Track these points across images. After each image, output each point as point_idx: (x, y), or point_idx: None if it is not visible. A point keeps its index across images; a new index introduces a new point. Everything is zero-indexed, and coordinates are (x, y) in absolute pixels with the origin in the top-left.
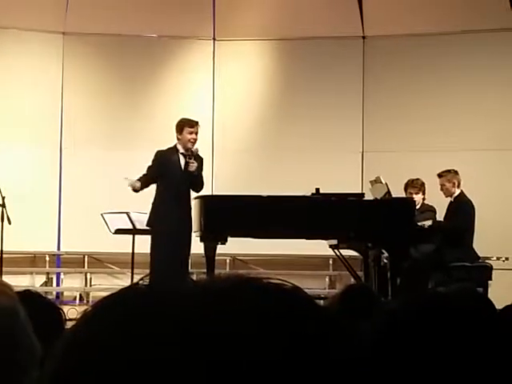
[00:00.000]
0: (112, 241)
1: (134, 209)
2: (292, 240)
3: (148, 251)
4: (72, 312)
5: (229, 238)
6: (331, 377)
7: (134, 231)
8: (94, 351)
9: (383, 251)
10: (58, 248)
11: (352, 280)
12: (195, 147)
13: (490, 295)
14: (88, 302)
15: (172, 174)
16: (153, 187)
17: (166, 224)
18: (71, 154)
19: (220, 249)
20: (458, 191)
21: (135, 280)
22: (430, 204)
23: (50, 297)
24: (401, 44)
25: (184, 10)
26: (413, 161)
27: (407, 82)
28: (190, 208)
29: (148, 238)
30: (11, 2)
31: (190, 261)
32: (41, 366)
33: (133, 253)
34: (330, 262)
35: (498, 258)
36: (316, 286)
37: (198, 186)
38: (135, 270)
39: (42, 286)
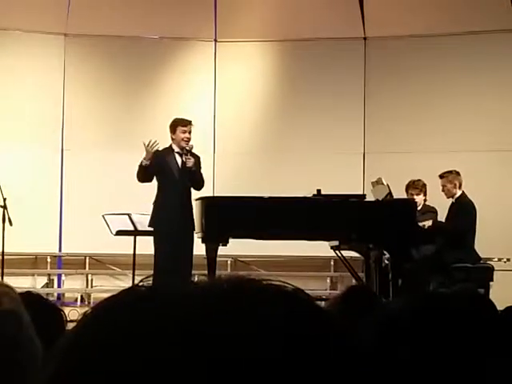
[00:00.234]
0: (113, 242)
1: (135, 210)
2: (293, 241)
3: (149, 252)
4: (73, 313)
5: (230, 240)
6: (331, 377)
7: (136, 232)
8: (94, 352)
9: (384, 252)
10: (60, 249)
11: (353, 281)
12: (190, 144)
13: (491, 296)
14: (89, 303)
15: (170, 174)
16: (153, 188)
17: (168, 224)
18: (72, 155)
19: (221, 250)
20: (459, 192)
21: (136, 281)
22: (432, 205)
23: (51, 298)
24: (402, 45)
25: (185, 11)
26: (414, 162)
27: (408, 83)
28: (192, 207)
29: (149, 239)
30: (13, 4)
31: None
32: (42, 367)
33: (134, 254)
34: (332, 263)
35: (499, 259)
36: (317, 287)
37: (199, 182)
38: (136, 272)
39: (43, 287)
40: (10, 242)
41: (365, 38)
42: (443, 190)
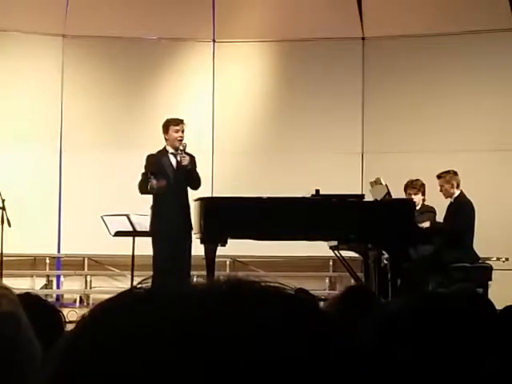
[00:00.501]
0: (112, 243)
1: (134, 211)
2: (292, 241)
3: (148, 253)
4: (72, 314)
5: (229, 240)
6: (331, 378)
7: (134, 233)
8: (93, 354)
9: (383, 252)
10: (58, 250)
11: (352, 281)
12: (184, 142)
13: (490, 296)
14: (88, 304)
15: (166, 175)
16: None
17: (165, 224)
18: (71, 156)
19: (220, 250)
20: (457, 192)
21: (135, 282)
22: (431, 205)
23: (50, 299)
24: (400, 45)
25: (184, 12)
26: (413, 162)
27: (407, 82)
28: (189, 207)
29: (148, 240)
30: (11, 5)
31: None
32: (41, 368)
33: (133, 255)
34: (330, 263)
35: (498, 259)
36: (316, 287)
37: (195, 181)
38: (135, 272)
39: (42, 288)
40: (9, 243)
41: (363, 38)
42: (441, 190)
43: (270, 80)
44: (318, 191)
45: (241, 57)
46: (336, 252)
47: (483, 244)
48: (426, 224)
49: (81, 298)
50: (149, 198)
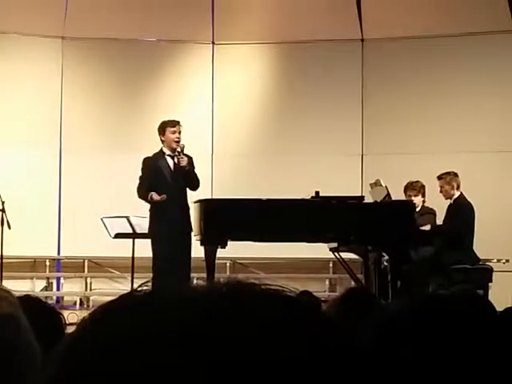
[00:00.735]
0: (112, 245)
1: (133, 213)
2: (292, 243)
3: (148, 255)
4: (72, 317)
5: (229, 242)
6: (331, 379)
7: (134, 235)
8: (94, 356)
9: (383, 254)
10: (58, 253)
11: (352, 283)
12: (181, 143)
13: (490, 297)
14: (88, 306)
15: (163, 178)
16: None
17: (165, 225)
18: (71, 158)
19: (220, 252)
20: (457, 193)
21: (135, 284)
22: (431, 206)
23: (50, 301)
24: (400, 47)
25: (183, 14)
26: (412, 163)
27: (406, 84)
28: (189, 208)
29: (148, 241)
30: (11, 7)
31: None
32: (41, 370)
33: (133, 257)
34: (330, 264)
35: (498, 260)
36: (316, 288)
37: (193, 182)
38: (135, 274)
39: (42, 290)
40: (9, 245)
41: (362, 40)
42: (441, 192)
43: (270, 82)
44: (317, 193)
45: (240, 59)
46: (336, 254)
47: (484, 245)
48: (427, 227)
49: (81, 300)
50: None
